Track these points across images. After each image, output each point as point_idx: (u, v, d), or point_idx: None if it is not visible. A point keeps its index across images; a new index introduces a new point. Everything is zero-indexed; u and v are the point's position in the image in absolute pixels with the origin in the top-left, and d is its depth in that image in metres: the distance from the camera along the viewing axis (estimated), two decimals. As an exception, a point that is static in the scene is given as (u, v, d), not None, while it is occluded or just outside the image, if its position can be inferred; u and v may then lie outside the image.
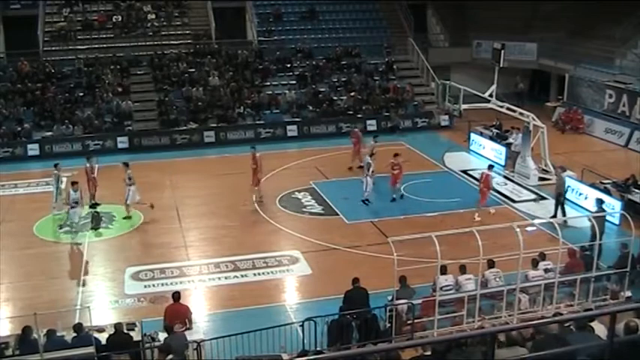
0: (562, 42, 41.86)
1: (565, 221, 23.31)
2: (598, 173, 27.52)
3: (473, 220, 24.35)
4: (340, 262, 22.12)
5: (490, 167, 27.12)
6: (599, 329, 11.59)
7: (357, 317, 17.03)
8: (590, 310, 15.71)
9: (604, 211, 22.24)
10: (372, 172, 26.84)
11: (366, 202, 26.80)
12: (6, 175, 30.71)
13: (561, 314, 15.28)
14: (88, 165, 27.62)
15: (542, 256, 19.03)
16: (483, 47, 42.52)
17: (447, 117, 38.61)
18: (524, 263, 18.07)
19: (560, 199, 25.01)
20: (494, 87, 30.93)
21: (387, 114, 38.97)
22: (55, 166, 27.07)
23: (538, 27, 42.97)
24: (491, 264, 18.36)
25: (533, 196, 27.85)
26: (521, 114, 30.35)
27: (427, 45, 45.79)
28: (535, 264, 18.60)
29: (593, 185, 26.51)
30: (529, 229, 21.72)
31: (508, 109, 30.76)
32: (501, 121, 34.66)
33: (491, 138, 34.17)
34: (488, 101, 30.90)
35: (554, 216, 24.33)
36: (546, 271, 18.53)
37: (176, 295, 17.31)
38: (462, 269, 18.20)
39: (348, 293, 17.50)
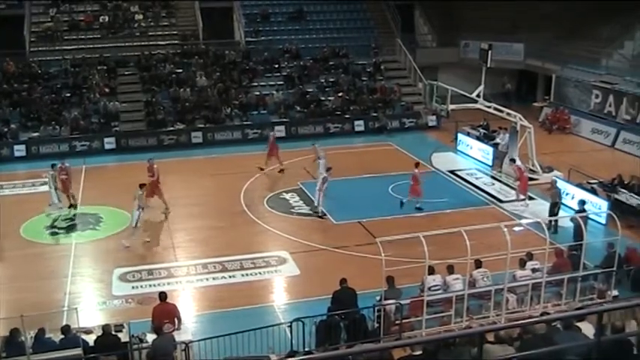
0: (549, 42, 42.05)
1: (555, 229, 23.30)
2: (585, 173, 27.64)
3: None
4: (328, 263, 22.12)
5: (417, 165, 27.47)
6: (586, 328, 11.65)
7: (345, 317, 17.03)
8: (579, 309, 15.76)
9: (585, 211, 22.29)
10: (326, 187, 25.88)
11: (322, 216, 26.08)
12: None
13: (549, 314, 15.33)
14: (60, 166, 27.56)
15: (530, 256, 19.08)
16: (471, 47, 42.59)
17: (434, 117, 38.69)
18: (512, 263, 18.13)
19: (555, 210, 24.48)
20: (481, 87, 31.05)
21: (374, 114, 39.00)
22: (52, 166, 26.99)
23: (525, 27, 43.12)
24: (478, 264, 18.40)
25: (521, 197, 27.93)
26: (508, 114, 30.46)
27: (415, 45, 45.86)
28: (522, 264, 18.68)
29: (579, 185, 26.62)
30: (516, 229, 21.79)
31: (495, 109, 30.87)
32: (489, 121, 34.79)
33: (478, 138, 34.27)
34: (476, 101, 31.01)
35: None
36: (534, 270, 18.61)
37: (162, 295, 17.27)
38: (450, 269, 18.22)
39: (336, 294, 17.50)
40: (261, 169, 31.14)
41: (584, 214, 21.63)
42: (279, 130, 37.29)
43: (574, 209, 24.10)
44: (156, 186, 26.66)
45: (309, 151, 32.41)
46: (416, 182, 26.44)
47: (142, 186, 24.26)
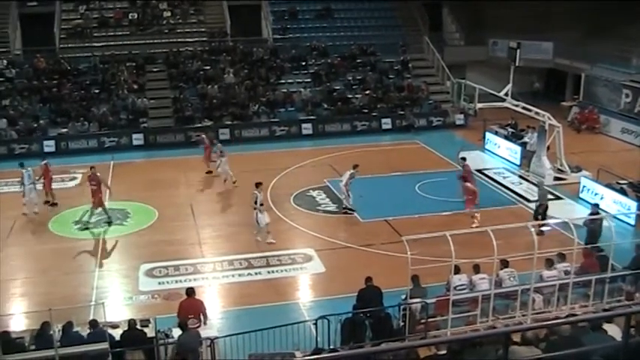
0: (578, 41, 41.63)
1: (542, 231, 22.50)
2: (614, 173, 27.34)
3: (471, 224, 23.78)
4: (354, 261, 22.11)
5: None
6: (612, 330, 11.53)
7: (370, 316, 17.01)
8: (606, 310, 15.63)
9: (599, 214, 21.96)
10: (261, 204, 23.39)
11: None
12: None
13: (576, 315, 15.22)
14: (45, 163, 27.79)
15: (562, 257, 18.87)
16: (499, 46, 42.38)
17: (462, 116, 38.57)
18: (539, 263, 18.01)
19: (540, 211, 24.08)
20: (509, 86, 30.84)
21: (401, 112, 38.93)
22: (21, 165, 27.11)
23: (554, 26, 42.72)
24: (505, 264, 18.29)
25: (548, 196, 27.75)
26: (536, 113, 30.23)
27: (442, 43, 45.70)
28: (550, 264, 18.52)
29: (609, 185, 26.37)
30: (544, 228, 21.63)
31: (523, 108, 30.66)
32: (517, 120, 34.56)
33: (506, 137, 34.07)
34: (504, 100, 30.81)
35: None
36: (566, 273, 18.35)
37: (190, 290, 17.37)
38: (476, 269, 18.13)
39: (361, 292, 17.48)
40: (209, 172, 31.05)
41: (597, 216, 21.27)
42: (306, 128, 37.41)
43: (605, 211, 23.91)
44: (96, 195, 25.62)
45: (335, 149, 32.52)
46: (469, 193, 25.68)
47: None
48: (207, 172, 31.01)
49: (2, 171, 29.47)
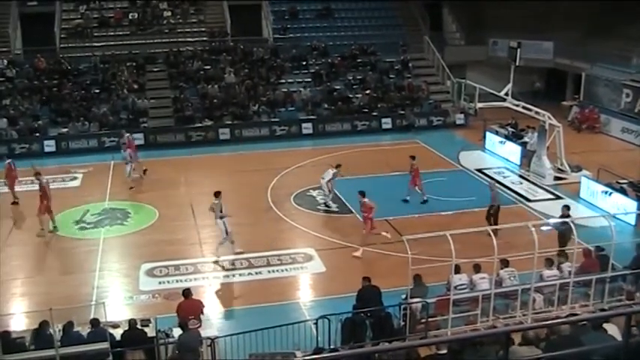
0: (579, 41, 41.61)
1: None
2: (614, 173, 27.36)
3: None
4: (354, 260, 22.12)
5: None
6: (612, 330, 11.54)
7: (370, 315, 17.02)
8: (603, 310, 15.63)
9: (569, 216, 21.71)
10: (223, 215, 22.69)
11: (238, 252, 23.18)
12: (23, 171, 30.81)
13: (576, 314, 15.22)
14: (9, 162, 28.08)
15: (565, 257, 18.85)
16: (499, 46, 42.38)
17: (462, 115, 38.61)
18: (539, 263, 18.01)
19: (491, 212, 23.87)
20: (510, 85, 30.84)
21: (402, 112, 38.95)
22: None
23: (555, 25, 42.72)
24: (505, 263, 18.30)
25: (548, 195, 27.71)
26: (537, 113, 30.23)
27: (443, 43, 45.69)
28: (550, 264, 18.52)
29: (609, 185, 26.38)
30: (544, 228, 21.63)
31: (524, 107, 30.65)
32: (517, 120, 34.57)
33: (506, 137, 34.08)
34: (504, 100, 30.81)
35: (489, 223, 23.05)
36: (570, 273, 18.31)
37: (187, 292, 17.36)
38: (477, 268, 18.13)
39: (360, 292, 17.49)
40: (144, 171, 31.02)
41: (568, 219, 20.76)
42: (307, 128, 37.42)
43: (605, 210, 23.93)
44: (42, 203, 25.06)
45: (336, 149, 32.53)
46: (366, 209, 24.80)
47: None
48: (144, 171, 30.90)
49: (2, 171, 29.39)
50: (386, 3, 46.60)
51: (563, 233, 20.45)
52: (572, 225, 19.06)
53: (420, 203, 26.83)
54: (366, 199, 23.19)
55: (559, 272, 18.37)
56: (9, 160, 28.29)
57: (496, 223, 22.86)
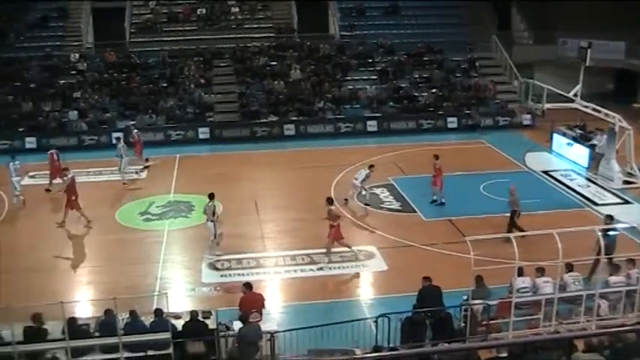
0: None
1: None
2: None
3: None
4: (416, 260, 22.00)
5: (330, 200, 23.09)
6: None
7: (431, 315, 16.92)
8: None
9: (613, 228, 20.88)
10: (217, 216, 22.77)
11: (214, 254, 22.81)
12: (91, 162, 31.51)
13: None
14: (50, 153, 28.79)
15: (633, 263, 18.42)
16: (569, 45, 41.55)
17: (529, 116, 38.02)
18: (605, 268, 17.66)
19: (514, 218, 23.29)
20: (579, 86, 30.31)
21: (467, 112, 38.57)
22: (13, 157, 27.81)
23: (626, 25, 41.76)
24: (570, 267, 17.99)
25: (616, 200, 27.14)
26: (606, 115, 29.64)
27: (511, 42, 45.10)
28: (616, 269, 18.13)
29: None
30: (611, 233, 21.18)
31: (593, 109, 30.09)
32: (586, 121, 33.88)
33: (574, 139, 33.41)
34: (573, 101, 30.28)
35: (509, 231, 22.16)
36: (638, 279, 17.87)
37: (248, 285, 17.51)
38: (540, 271, 17.87)
39: (421, 291, 17.39)
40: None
41: (611, 226, 20.19)
42: (372, 125, 37.36)
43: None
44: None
45: (400, 147, 32.39)
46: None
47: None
48: (146, 160, 31.36)
49: (77, 161, 30.00)
50: (453, 1, 46.10)
51: (608, 245, 19.72)
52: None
53: (429, 202, 26.73)
54: (332, 207, 22.41)
55: (626, 278, 17.97)
56: (52, 151, 28.89)
57: (517, 230, 22.38)
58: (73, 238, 24.50)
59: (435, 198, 26.81)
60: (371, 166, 26.86)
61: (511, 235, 16.82)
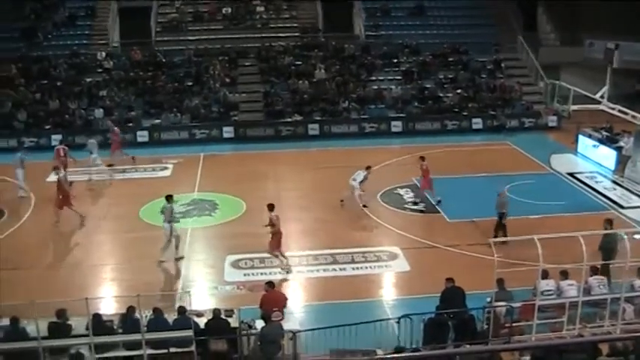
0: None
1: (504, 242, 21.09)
2: None
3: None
4: (439, 261, 21.92)
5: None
6: None
7: (454, 317, 16.86)
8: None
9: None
10: (172, 219, 22.43)
11: (178, 258, 22.57)
12: (116, 159, 31.67)
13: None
14: (56, 149, 28.99)
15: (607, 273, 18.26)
16: (596, 47, 41.17)
17: (555, 118, 37.78)
18: (631, 272, 17.51)
19: (502, 221, 23.18)
20: (606, 88, 30.08)
21: (493, 113, 38.38)
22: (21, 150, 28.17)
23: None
24: (595, 270, 17.85)
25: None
26: (633, 117, 29.38)
27: (537, 43, 44.80)
28: (642, 273, 17.97)
29: None
30: (637, 236, 21.01)
31: (620, 111, 29.84)
32: (612, 123, 33.58)
33: (600, 140, 33.12)
34: (599, 103, 30.04)
35: (495, 236, 22.03)
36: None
37: (271, 284, 17.60)
38: (564, 274, 17.75)
39: (444, 292, 17.33)
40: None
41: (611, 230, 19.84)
42: (396, 126, 37.30)
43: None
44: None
45: (425, 148, 32.28)
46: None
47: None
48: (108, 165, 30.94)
49: (103, 158, 30.20)
50: (479, 2, 45.97)
51: (611, 249, 19.51)
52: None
53: (435, 203, 26.77)
54: (272, 214, 21.76)
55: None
56: (60, 146, 29.14)
57: (502, 233, 22.51)
58: (98, 235, 24.65)
59: (439, 198, 26.75)
60: (368, 167, 26.76)
61: (535, 237, 16.67)
